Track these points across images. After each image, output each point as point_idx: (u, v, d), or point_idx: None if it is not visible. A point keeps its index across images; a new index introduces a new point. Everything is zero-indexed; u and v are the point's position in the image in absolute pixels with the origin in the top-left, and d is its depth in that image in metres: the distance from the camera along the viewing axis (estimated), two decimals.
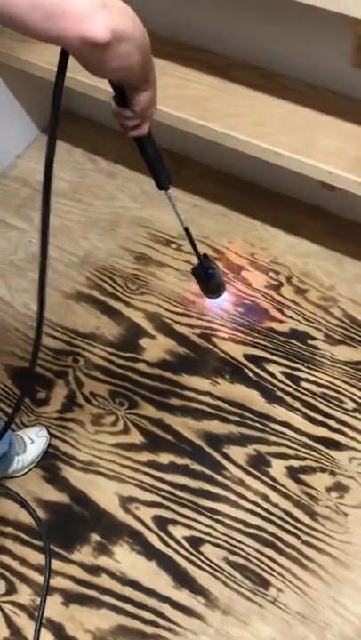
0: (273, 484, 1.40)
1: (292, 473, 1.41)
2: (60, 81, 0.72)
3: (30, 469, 1.42)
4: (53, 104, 0.74)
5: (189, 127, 1.52)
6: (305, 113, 1.48)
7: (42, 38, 0.60)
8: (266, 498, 1.38)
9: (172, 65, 1.60)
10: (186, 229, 1.20)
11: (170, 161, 2.01)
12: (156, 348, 1.60)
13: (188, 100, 1.53)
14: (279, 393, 1.52)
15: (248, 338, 1.60)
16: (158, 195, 1.98)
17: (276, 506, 1.37)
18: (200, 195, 1.87)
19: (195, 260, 1.75)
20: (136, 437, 1.47)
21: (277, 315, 1.64)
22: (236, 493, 1.39)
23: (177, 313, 1.65)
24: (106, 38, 0.59)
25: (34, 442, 1.41)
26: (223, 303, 1.66)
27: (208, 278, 1.35)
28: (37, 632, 1.24)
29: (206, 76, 1.58)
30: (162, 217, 1.82)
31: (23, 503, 1.38)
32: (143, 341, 1.62)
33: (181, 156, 1.94)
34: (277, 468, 1.41)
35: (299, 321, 1.63)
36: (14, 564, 1.32)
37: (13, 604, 1.28)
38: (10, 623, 1.26)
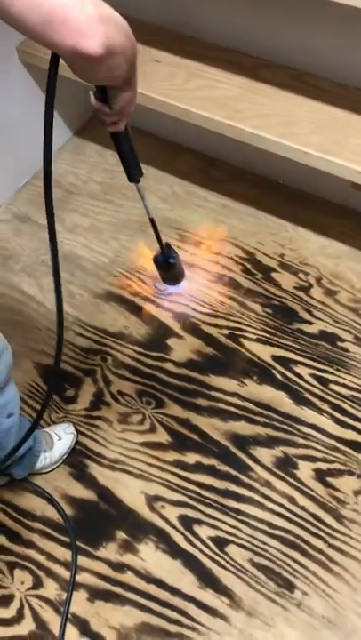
0: (300, 486, 1.39)
1: (320, 476, 1.39)
2: (52, 79, 0.73)
3: (58, 466, 1.43)
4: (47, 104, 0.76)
5: (218, 127, 1.52)
6: (335, 112, 1.47)
7: (36, 40, 0.61)
8: (292, 500, 1.37)
9: (201, 66, 1.61)
10: (151, 220, 1.27)
11: (200, 162, 2.04)
12: (184, 348, 1.61)
13: (218, 100, 1.54)
14: (307, 395, 1.50)
15: (276, 339, 1.59)
16: (188, 196, 2.01)
17: (302, 508, 1.36)
18: (229, 195, 1.87)
19: (224, 262, 1.77)
20: (163, 437, 1.48)
21: (307, 316, 1.62)
22: (263, 495, 1.38)
23: (205, 313, 1.65)
24: (99, 53, 0.61)
25: (61, 439, 1.43)
26: (181, 290, 1.67)
27: (169, 267, 1.39)
28: (63, 627, 1.25)
29: (236, 76, 1.58)
30: (191, 218, 1.83)
31: (50, 499, 1.39)
32: (171, 341, 1.62)
33: (211, 156, 1.95)
34: (304, 471, 1.40)
35: (328, 322, 1.61)
36: (41, 558, 1.34)
37: (40, 597, 1.30)
38: (36, 617, 1.27)
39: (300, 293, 1.65)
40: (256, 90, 1.55)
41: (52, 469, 1.43)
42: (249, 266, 1.72)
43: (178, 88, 1.57)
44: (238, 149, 1.80)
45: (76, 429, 1.48)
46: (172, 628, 1.25)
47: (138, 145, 2.20)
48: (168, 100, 1.56)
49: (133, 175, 1.13)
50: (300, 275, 1.69)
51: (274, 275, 1.70)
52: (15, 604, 1.29)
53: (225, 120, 1.50)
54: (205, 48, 1.64)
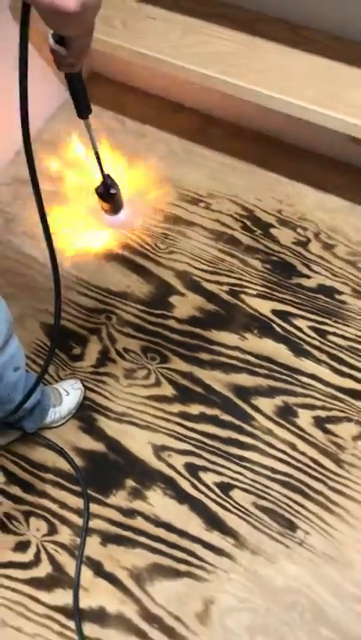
0: (300, 433, 1.44)
1: (319, 423, 1.45)
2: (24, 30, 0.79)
3: (67, 420, 1.49)
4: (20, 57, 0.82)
5: (214, 83, 1.53)
6: (332, 66, 1.47)
7: None
8: (293, 446, 1.43)
9: (197, 21, 1.60)
10: (96, 154, 1.32)
11: (199, 120, 2.03)
12: (186, 305, 1.65)
13: (213, 56, 1.53)
14: (306, 347, 1.55)
15: (276, 294, 1.62)
16: (186, 154, 2.01)
17: (303, 454, 1.42)
18: (228, 153, 1.88)
19: (223, 219, 1.79)
20: (167, 390, 1.53)
21: (305, 270, 1.66)
22: (265, 442, 1.44)
23: (206, 271, 1.68)
24: (75, 10, 0.66)
25: (69, 394, 1.48)
26: (120, 220, 1.67)
27: (110, 198, 1.45)
28: (78, 568, 1.32)
29: (231, 31, 1.58)
30: (190, 176, 1.84)
31: (61, 452, 1.45)
32: (173, 299, 1.66)
33: (209, 115, 1.95)
34: (304, 418, 1.46)
35: (326, 276, 1.64)
36: (55, 507, 1.40)
37: (55, 543, 1.37)
38: (52, 560, 1.35)
39: (299, 248, 1.68)
40: (252, 44, 1.54)
41: (62, 424, 1.49)
42: (248, 223, 1.74)
43: (173, 45, 1.56)
44: (236, 106, 1.80)
45: (84, 385, 1.53)
46: (182, 568, 1.32)
47: (136, 103, 2.20)
48: (163, 57, 1.55)
49: (83, 110, 1.18)
50: (299, 230, 1.71)
51: (273, 231, 1.72)
52: (32, 550, 1.37)
53: (221, 76, 1.50)
54: (200, 3, 1.63)
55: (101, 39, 1.61)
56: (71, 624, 1.28)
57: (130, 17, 1.64)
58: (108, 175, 1.39)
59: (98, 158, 1.33)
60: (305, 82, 1.45)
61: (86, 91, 1.12)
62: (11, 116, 1.88)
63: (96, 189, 1.41)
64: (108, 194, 1.41)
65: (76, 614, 1.28)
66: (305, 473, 1.40)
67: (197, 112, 1.96)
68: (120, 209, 1.54)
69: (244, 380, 1.52)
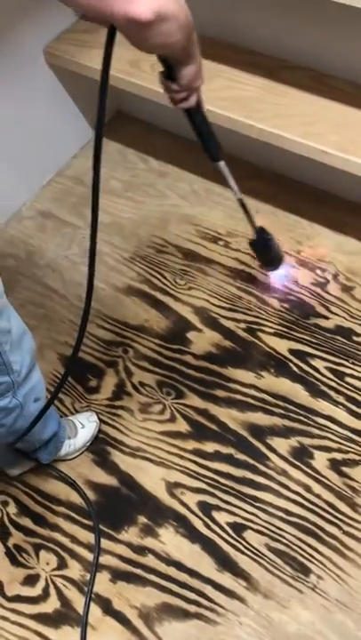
0: (315, 475, 1.43)
1: (335, 465, 1.43)
2: (108, 52, 0.79)
3: (81, 453, 1.49)
4: (102, 81, 0.82)
5: (238, 127, 1.57)
6: (353, 113, 1.51)
7: (89, 13, 0.67)
8: (308, 488, 1.41)
9: (222, 67, 1.66)
10: (240, 200, 1.27)
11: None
12: (203, 341, 1.66)
13: (238, 100, 1.58)
14: (323, 387, 1.55)
15: (293, 333, 1.63)
16: (207, 193, 2.04)
17: (318, 496, 1.40)
18: (248, 193, 1.88)
19: (242, 258, 1.81)
20: (182, 426, 1.53)
21: (323, 311, 1.66)
22: (279, 483, 1.43)
23: (223, 308, 1.70)
24: (148, 18, 0.66)
25: (84, 426, 1.48)
26: (285, 275, 1.70)
27: (267, 249, 1.39)
28: (87, 605, 1.30)
29: (256, 77, 1.63)
30: (210, 215, 1.88)
31: (73, 484, 1.45)
32: (190, 334, 1.67)
33: (230, 155, 1.98)
34: (320, 460, 1.44)
35: (344, 318, 1.65)
36: (65, 541, 1.39)
37: (64, 577, 1.35)
38: (61, 595, 1.33)
39: (317, 289, 1.70)
40: (276, 90, 1.59)
41: (76, 456, 1.49)
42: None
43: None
44: (257, 148, 1.84)
45: (99, 418, 1.53)
46: (191, 609, 1.30)
47: (160, 143, 2.26)
48: None
49: (215, 153, 1.14)
50: (317, 271, 1.73)
51: (292, 271, 1.74)
52: (41, 584, 1.35)
53: (246, 120, 1.55)
54: (226, 49, 1.69)
55: (129, 81, 1.67)
56: None
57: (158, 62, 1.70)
58: (261, 227, 1.34)
59: (243, 207, 1.27)
60: (327, 127, 1.48)
61: (212, 128, 1.08)
62: (36, 152, 1.94)
63: (250, 242, 1.37)
64: (265, 245, 1.37)
65: None
66: (319, 516, 1.38)
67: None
68: (281, 259, 1.51)
69: (259, 418, 1.52)
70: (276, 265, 1.61)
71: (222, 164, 1.15)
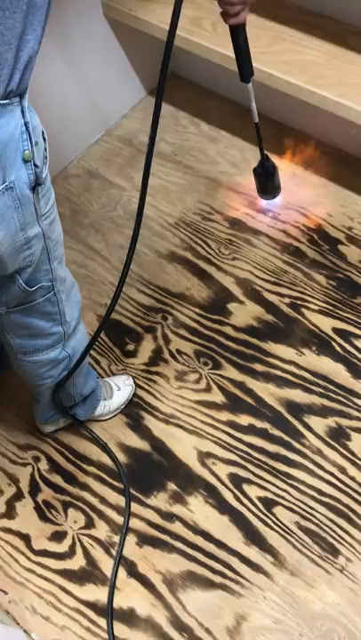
0: (351, 457, 1.40)
1: None
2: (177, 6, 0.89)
3: (115, 415, 1.48)
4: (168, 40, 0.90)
5: (299, 93, 1.51)
6: None
7: None
8: (343, 470, 1.39)
9: (285, 29, 1.59)
10: (256, 124, 1.38)
11: (274, 129, 2.01)
12: (244, 313, 1.62)
13: (301, 65, 1.52)
14: None
15: (339, 312, 1.58)
16: (257, 161, 1.97)
17: (352, 479, 1.37)
18: (300, 164, 1.85)
19: (291, 231, 1.77)
20: (217, 397, 1.51)
21: None
22: (313, 462, 1.40)
23: (268, 281, 1.66)
24: None
25: (120, 389, 1.47)
26: (276, 205, 1.75)
27: (268, 177, 1.45)
28: (116, 567, 1.31)
29: (321, 41, 1.56)
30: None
31: (104, 446, 1.44)
32: (231, 306, 1.64)
33: (285, 124, 1.92)
34: (357, 443, 1.41)
35: None
36: (95, 501, 1.39)
37: (91, 537, 1.36)
38: (87, 554, 1.34)
39: None
40: (342, 57, 1.52)
41: (110, 418, 1.48)
42: (316, 237, 1.71)
43: (261, 51, 1.55)
44: (314, 118, 1.78)
45: (135, 382, 1.52)
46: (217, 579, 1.29)
47: (214, 107, 2.20)
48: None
49: (247, 74, 1.26)
50: None
51: (341, 247, 1.68)
52: (67, 541, 1.36)
53: (308, 86, 1.48)
54: (292, 10, 1.62)
55: (189, 39, 1.61)
56: (100, 621, 1.27)
57: (220, 20, 1.63)
58: (267, 155, 1.42)
59: (258, 132, 1.36)
60: None
61: (250, 53, 1.22)
62: (87, 109, 1.90)
63: (254, 169, 1.44)
64: (266, 173, 1.44)
65: (110, 614, 1.26)
66: (353, 499, 1.35)
67: (274, 121, 1.94)
68: (278, 191, 1.59)
69: (297, 396, 1.49)
70: (273, 195, 1.67)
71: (250, 85, 1.29)
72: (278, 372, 1.53)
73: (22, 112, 0.81)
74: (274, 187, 1.64)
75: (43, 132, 0.88)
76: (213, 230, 1.76)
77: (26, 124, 0.81)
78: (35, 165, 0.85)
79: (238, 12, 1.08)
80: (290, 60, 1.53)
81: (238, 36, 1.18)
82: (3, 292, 1.02)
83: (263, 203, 1.76)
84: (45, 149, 0.89)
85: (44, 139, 0.89)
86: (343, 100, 1.44)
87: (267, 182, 1.60)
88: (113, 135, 2.01)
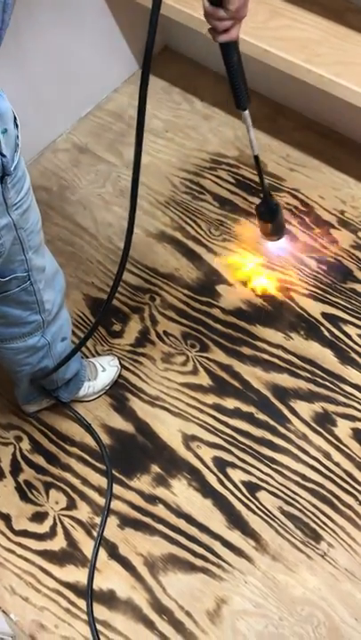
0: (336, 443, 1.39)
1: (358, 435, 1.39)
2: None
3: (99, 396, 1.46)
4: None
5: (295, 71, 1.47)
6: None
7: None
8: (328, 455, 1.38)
9: (282, 3, 1.55)
10: (256, 157, 1.20)
11: (268, 108, 1.97)
12: (233, 295, 1.60)
13: (298, 42, 1.48)
14: (353, 355, 1.49)
15: (328, 297, 1.56)
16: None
17: (337, 465, 1.37)
18: (295, 145, 1.81)
19: (283, 212, 1.73)
20: (204, 380, 1.49)
21: None
22: (298, 447, 1.39)
23: (258, 263, 1.63)
24: None
25: (105, 370, 1.45)
26: (283, 248, 1.62)
27: (273, 216, 1.32)
28: (96, 549, 1.30)
29: (319, 18, 1.51)
30: (254, 165, 1.78)
31: (88, 427, 1.43)
32: (220, 288, 1.61)
33: (280, 104, 1.88)
34: (343, 429, 1.40)
35: None
36: (76, 482, 1.38)
37: (72, 518, 1.34)
38: (68, 535, 1.32)
39: (358, 252, 1.62)
40: (339, 34, 1.48)
41: (94, 399, 1.46)
42: (307, 219, 1.68)
43: (258, 26, 1.50)
44: (310, 98, 1.74)
45: (120, 363, 1.50)
46: (198, 563, 1.29)
47: (207, 84, 2.14)
48: (247, 37, 1.49)
49: (242, 100, 1.06)
50: (359, 233, 1.65)
51: (332, 231, 1.66)
52: (49, 522, 1.34)
53: (304, 64, 1.44)
54: None
55: (182, 11, 1.56)
56: (80, 602, 1.26)
57: None
58: (270, 193, 1.27)
59: (258, 165, 1.21)
60: None
61: (244, 74, 1.01)
62: (77, 82, 1.85)
63: (256, 207, 1.32)
64: (271, 212, 1.31)
65: (89, 596, 1.25)
66: (336, 485, 1.35)
67: (268, 100, 1.90)
68: (283, 231, 1.44)
69: (284, 380, 1.47)
70: (279, 236, 1.51)
71: (247, 113, 1.08)
72: (266, 356, 1.51)
73: None
74: (278, 226, 1.46)
75: (15, 119, 0.82)
76: (204, 210, 1.73)
77: None
78: (1, 155, 0.79)
79: (229, 27, 0.91)
80: (287, 37, 1.49)
81: (230, 54, 0.98)
82: None
83: (269, 245, 1.60)
84: (17, 137, 0.83)
85: (17, 125, 0.82)
86: (340, 80, 1.40)
87: (271, 221, 1.41)
88: (103, 109, 1.96)
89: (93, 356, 1.50)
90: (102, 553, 1.31)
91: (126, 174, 1.82)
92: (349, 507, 1.32)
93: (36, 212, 0.98)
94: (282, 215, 1.41)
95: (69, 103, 1.89)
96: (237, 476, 1.37)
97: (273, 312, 1.56)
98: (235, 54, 0.99)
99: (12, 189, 0.85)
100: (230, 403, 1.46)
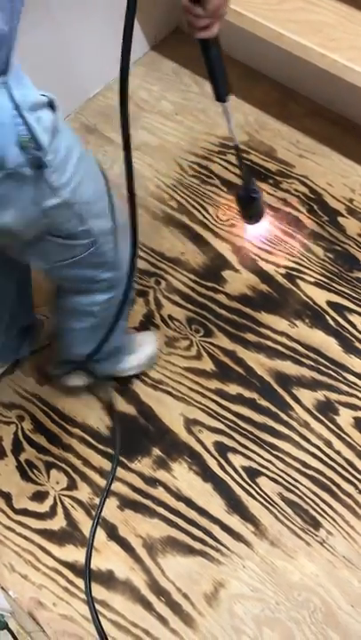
0: (338, 431, 1.39)
1: (360, 424, 1.39)
2: None
3: (133, 373, 1.44)
4: None
5: (308, 55, 1.45)
6: None
7: None
8: (329, 444, 1.38)
9: None
10: (236, 147, 1.21)
11: (279, 93, 1.95)
12: (239, 282, 1.59)
13: (312, 25, 1.46)
14: (357, 344, 1.48)
15: (334, 285, 1.56)
16: (261, 128, 1.93)
17: (338, 453, 1.37)
18: (305, 132, 1.79)
19: (290, 200, 1.72)
20: (207, 365, 1.49)
21: None
22: (300, 434, 1.39)
23: (264, 250, 1.62)
24: None
25: (142, 346, 1.44)
26: (261, 231, 1.63)
27: (251, 202, 1.33)
28: (94, 529, 1.30)
29: (335, 1, 1.49)
30: (263, 151, 1.77)
31: (112, 412, 1.41)
32: (226, 273, 1.61)
33: (291, 89, 1.86)
34: (345, 417, 1.40)
35: None
36: (78, 463, 1.38)
37: (73, 498, 1.35)
38: (67, 515, 1.33)
39: None
40: (355, 19, 1.46)
41: (129, 375, 1.44)
42: (315, 207, 1.67)
43: (272, 8, 1.49)
44: (322, 84, 1.72)
45: None
46: (196, 546, 1.29)
47: None
48: (260, 19, 1.48)
49: (221, 92, 1.08)
50: None
51: (340, 219, 1.65)
52: (49, 502, 1.35)
53: (318, 48, 1.43)
54: None
55: None
56: (78, 581, 1.27)
57: None
58: (252, 179, 1.28)
59: (238, 155, 1.21)
60: None
61: (224, 65, 1.00)
62: (87, 61, 1.82)
63: (236, 193, 1.33)
64: (249, 198, 1.32)
65: (87, 575, 1.26)
66: (337, 473, 1.35)
67: (279, 85, 1.88)
68: (260, 216, 1.45)
69: (287, 367, 1.47)
70: (256, 220, 1.51)
71: (227, 105, 1.08)
72: (270, 343, 1.51)
73: (9, 94, 0.74)
74: (257, 212, 1.47)
75: (50, 102, 0.80)
76: (212, 195, 1.72)
77: (17, 107, 0.75)
78: (37, 149, 0.78)
79: (208, 25, 0.87)
80: (301, 20, 1.47)
81: (209, 50, 0.96)
82: (41, 251, 0.98)
83: (247, 227, 1.62)
84: (55, 120, 0.81)
85: (53, 108, 0.81)
86: (353, 65, 1.38)
87: (249, 208, 1.43)
88: (113, 90, 1.93)
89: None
90: (102, 534, 1.31)
91: (134, 157, 1.78)
92: (349, 495, 1.33)
93: (93, 183, 0.97)
94: (260, 202, 1.42)
95: (78, 83, 1.87)
96: (238, 461, 1.37)
97: (278, 299, 1.55)
98: (214, 49, 0.96)
99: (53, 174, 0.84)
100: (233, 388, 1.46)
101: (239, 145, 1.19)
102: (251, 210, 1.43)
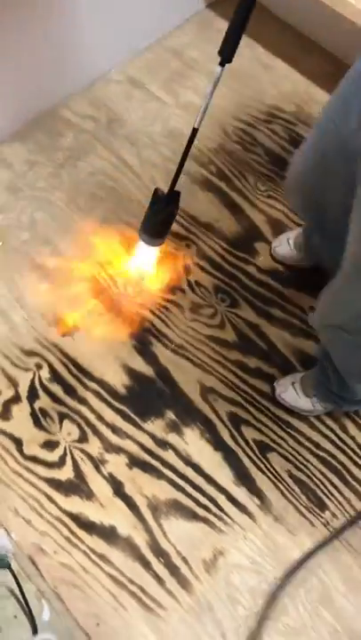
0: (354, 416, 1.38)
1: None
2: None
3: None
4: None
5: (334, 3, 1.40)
6: None
7: None
8: (344, 428, 1.37)
9: None
10: (194, 130, 1.12)
11: (331, 65, 1.90)
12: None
13: None
14: None
15: None
16: (310, 99, 1.87)
17: (352, 438, 1.36)
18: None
19: None
20: (230, 335, 1.47)
21: None
22: (316, 416, 1.38)
23: (300, 225, 1.59)
24: None
25: None
26: (149, 259, 1.41)
27: (162, 210, 1.19)
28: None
29: None
30: (307, 122, 1.72)
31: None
32: (259, 245, 1.58)
33: (344, 62, 1.79)
34: None
35: None
36: (91, 417, 1.38)
37: (82, 451, 1.35)
38: (76, 467, 1.33)
39: None
40: None
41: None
42: None
43: None
44: (342, 36, 1.66)
45: (148, 308, 1.48)
46: (200, 512, 1.30)
47: (270, 33, 2.05)
48: None
49: (227, 54, 1.06)
50: None
51: None
52: (59, 452, 1.35)
53: None
54: None
55: None
56: (80, 533, 1.27)
57: None
58: (176, 192, 1.15)
59: (190, 140, 1.11)
60: None
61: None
62: (139, 13, 1.77)
63: (153, 194, 1.18)
64: (161, 208, 1.18)
65: None
66: (348, 457, 1.34)
67: (331, 56, 1.82)
68: (163, 238, 1.28)
69: (310, 347, 1.45)
70: (154, 239, 1.31)
71: (223, 70, 1.07)
72: (296, 321, 1.49)
73: None
74: (156, 229, 1.26)
75: None
76: (253, 163, 1.68)
77: None
78: None
79: None
80: None
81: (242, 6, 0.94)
82: None
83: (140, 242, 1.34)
84: None
85: None
86: None
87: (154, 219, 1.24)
88: (163, 45, 1.88)
89: None
90: (108, 489, 1.31)
91: (179, 115, 1.76)
92: (358, 480, 1.32)
93: None
94: (170, 219, 1.23)
95: (128, 34, 1.82)
96: (251, 434, 1.36)
97: (309, 278, 1.53)
98: (246, 9, 0.94)
99: None
100: (253, 362, 1.44)
101: (197, 129, 1.10)
102: (158, 223, 1.24)
